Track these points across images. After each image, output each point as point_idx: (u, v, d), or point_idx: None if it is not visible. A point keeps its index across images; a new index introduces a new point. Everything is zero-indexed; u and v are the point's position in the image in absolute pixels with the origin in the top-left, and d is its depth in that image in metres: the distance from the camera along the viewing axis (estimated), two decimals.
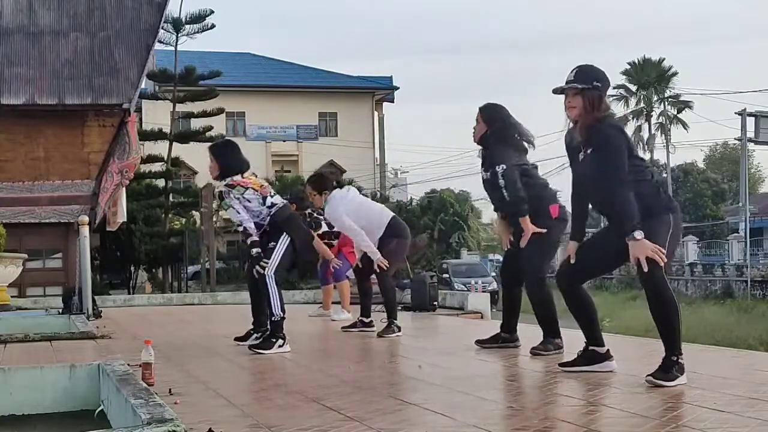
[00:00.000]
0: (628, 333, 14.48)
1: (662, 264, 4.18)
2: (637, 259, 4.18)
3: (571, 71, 4.58)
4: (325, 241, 9.44)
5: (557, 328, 5.72)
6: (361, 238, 7.47)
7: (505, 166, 5.75)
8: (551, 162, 48.19)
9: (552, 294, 5.82)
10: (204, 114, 31.37)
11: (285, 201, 6.74)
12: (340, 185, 7.83)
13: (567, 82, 4.55)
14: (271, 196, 6.46)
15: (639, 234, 4.18)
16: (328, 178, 8.01)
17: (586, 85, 4.49)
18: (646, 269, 4.16)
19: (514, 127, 5.97)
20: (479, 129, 5.98)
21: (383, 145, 49.12)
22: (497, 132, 5.90)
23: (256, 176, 6.66)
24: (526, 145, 6.01)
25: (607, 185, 4.33)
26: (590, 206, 4.72)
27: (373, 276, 7.55)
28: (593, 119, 4.45)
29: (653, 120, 54.56)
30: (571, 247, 4.65)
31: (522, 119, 6.10)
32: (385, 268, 7.34)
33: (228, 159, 6.51)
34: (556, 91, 4.62)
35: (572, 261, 4.61)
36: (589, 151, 4.45)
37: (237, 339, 6.86)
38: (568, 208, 4.95)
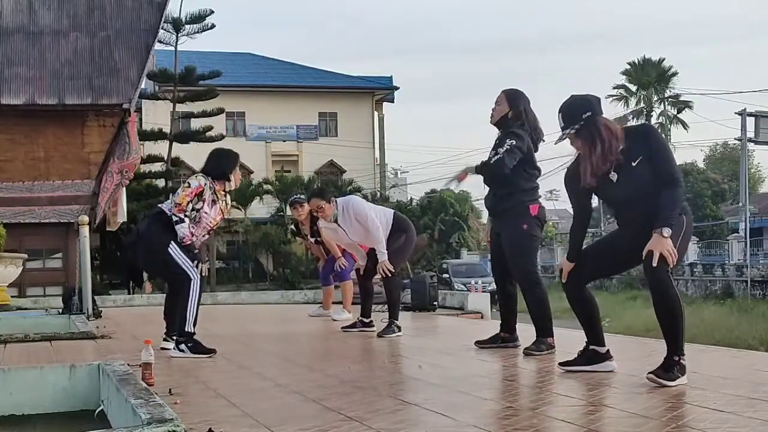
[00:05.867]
0: (628, 333, 14.51)
1: (671, 265, 4.17)
2: (648, 253, 4.16)
3: (558, 116, 4.46)
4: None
5: (551, 327, 5.75)
6: (381, 238, 7.40)
7: (514, 142, 5.66)
8: (550, 162, 48.07)
9: (547, 293, 5.84)
10: (204, 114, 31.36)
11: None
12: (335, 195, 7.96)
13: (561, 129, 4.45)
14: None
15: (667, 231, 4.16)
16: (328, 188, 8.16)
17: (576, 124, 4.38)
18: (655, 264, 4.14)
19: (534, 118, 5.90)
20: (500, 110, 5.87)
21: (383, 145, 49.14)
22: (519, 115, 5.82)
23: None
24: (533, 142, 5.90)
25: (668, 180, 4.26)
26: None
27: (377, 276, 7.55)
28: (620, 135, 4.32)
29: (653, 120, 54.51)
30: (566, 266, 4.62)
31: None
32: (389, 273, 7.34)
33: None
34: (558, 143, 4.54)
35: (563, 281, 4.61)
36: (635, 164, 4.30)
37: None
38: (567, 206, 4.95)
